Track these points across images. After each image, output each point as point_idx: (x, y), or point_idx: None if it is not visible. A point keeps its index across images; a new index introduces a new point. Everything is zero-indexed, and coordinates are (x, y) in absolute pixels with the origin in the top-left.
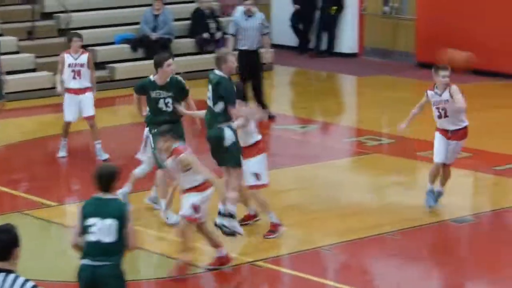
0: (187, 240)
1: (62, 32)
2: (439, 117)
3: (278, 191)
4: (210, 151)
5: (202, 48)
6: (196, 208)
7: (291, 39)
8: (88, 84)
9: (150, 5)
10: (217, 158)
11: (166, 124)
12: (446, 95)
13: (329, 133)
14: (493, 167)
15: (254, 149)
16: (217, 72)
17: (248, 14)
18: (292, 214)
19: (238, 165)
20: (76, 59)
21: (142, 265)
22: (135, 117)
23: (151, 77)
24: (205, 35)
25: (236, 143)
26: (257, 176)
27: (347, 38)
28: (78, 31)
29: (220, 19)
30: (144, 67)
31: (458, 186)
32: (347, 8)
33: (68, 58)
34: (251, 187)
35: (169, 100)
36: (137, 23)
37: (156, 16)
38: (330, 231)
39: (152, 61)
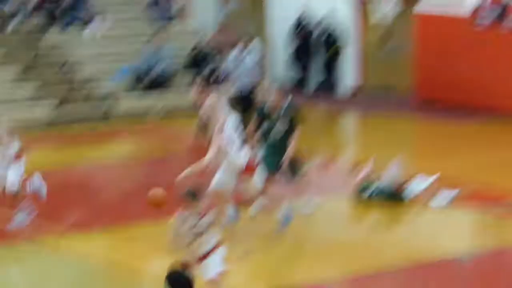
0: None
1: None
2: None
3: None
4: None
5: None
6: None
7: (289, 76)
8: None
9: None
10: None
11: None
12: None
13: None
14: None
15: None
16: None
17: (245, 52)
18: None
19: None
20: None
21: None
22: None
23: None
24: (205, 72)
25: None
26: None
27: (348, 76)
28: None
29: (219, 56)
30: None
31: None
32: (348, 46)
33: None
34: None
35: None
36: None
37: (156, 51)
38: None
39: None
